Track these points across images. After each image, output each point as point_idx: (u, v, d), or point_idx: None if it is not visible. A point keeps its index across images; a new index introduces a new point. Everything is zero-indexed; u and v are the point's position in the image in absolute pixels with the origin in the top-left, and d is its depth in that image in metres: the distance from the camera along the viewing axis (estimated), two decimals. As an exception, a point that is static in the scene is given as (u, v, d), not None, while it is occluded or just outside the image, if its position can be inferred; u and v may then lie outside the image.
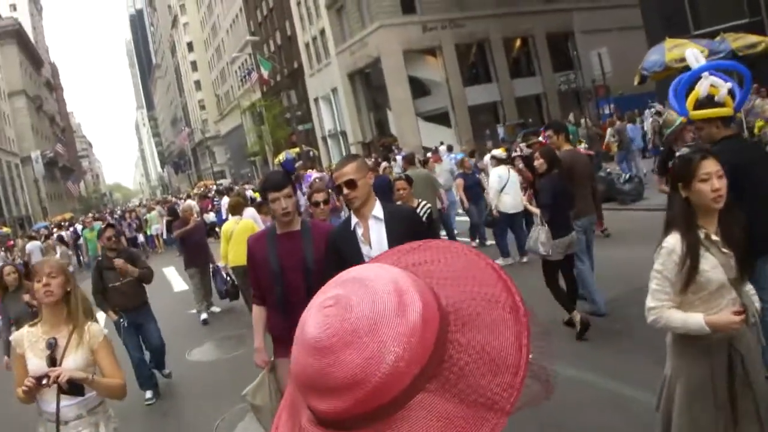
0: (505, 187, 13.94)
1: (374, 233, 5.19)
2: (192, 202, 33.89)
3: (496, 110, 57.34)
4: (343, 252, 5.11)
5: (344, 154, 62.29)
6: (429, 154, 22.84)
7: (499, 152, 15.68)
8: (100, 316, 8.89)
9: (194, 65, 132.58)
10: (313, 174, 14.86)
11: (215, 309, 15.66)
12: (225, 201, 30.50)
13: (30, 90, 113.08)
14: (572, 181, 9.74)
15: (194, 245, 15.57)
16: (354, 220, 5.29)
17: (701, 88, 6.01)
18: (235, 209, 13.82)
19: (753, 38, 20.28)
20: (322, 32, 64.19)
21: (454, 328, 1.23)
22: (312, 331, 1.19)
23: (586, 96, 41.28)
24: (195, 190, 64.18)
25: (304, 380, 1.21)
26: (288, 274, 5.58)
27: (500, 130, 48.38)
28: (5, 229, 50.33)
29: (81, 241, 35.09)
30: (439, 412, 1.15)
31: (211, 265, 15.39)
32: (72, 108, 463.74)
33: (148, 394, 10.10)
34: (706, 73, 6.02)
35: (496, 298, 1.26)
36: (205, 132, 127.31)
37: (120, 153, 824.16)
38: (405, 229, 4.97)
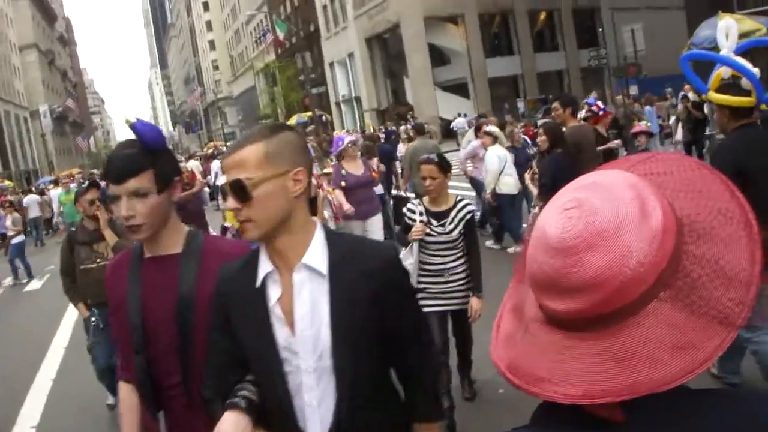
0: (504, 168, 12.99)
1: (302, 302, 2.45)
2: (195, 163, 32.12)
3: (517, 84, 56.03)
4: (236, 323, 2.53)
5: (358, 120, 61.29)
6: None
7: (495, 129, 14.27)
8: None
9: (209, 25, 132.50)
10: (346, 137, 13.31)
11: None
12: (216, 164, 28.94)
13: (42, 44, 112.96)
14: (579, 160, 8.83)
15: (187, 215, 13.38)
16: (265, 265, 2.49)
17: (723, 69, 5.56)
18: None
19: (819, 18, 18.27)
20: (341, -6, 62.57)
21: (688, 239, 1.25)
22: (553, 231, 1.24)
23: (618, 74, 39.71)
24: (204, 151, 63.08)
25: (542, 279, 1.26)
26: (154, 332, 2.92)
27: (521, 105, 46.97)
28: (7, 183, 49.18)
29: (55, 206, 29.14)
30: (671, 320, 1.19)
31: None
32: (85, 64, 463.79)
33: (111, 400, 7.83)
34: (725, 66, 5.57)
35: (731, 213, 1.27)
36: (217, 93, 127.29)
37: (132, 111, 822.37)
38: (368, 292, 2.42)
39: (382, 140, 28.47)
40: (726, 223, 1.25)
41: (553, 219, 1.25)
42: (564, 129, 9.43)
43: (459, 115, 43.13)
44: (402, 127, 38.99)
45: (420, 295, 5.97)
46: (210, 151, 55.43)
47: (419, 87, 52.19)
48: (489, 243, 13.70)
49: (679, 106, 21.83)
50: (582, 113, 12.88)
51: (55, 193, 30.35)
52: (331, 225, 12.69)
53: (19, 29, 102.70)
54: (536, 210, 9.37)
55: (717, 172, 1.36)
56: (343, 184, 10.99)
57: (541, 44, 58.23)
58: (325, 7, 67.53)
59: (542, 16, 58.35)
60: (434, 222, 6.12)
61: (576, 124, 9.72)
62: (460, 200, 6.25)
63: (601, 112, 13.67)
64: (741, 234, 1.23)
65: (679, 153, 2.18)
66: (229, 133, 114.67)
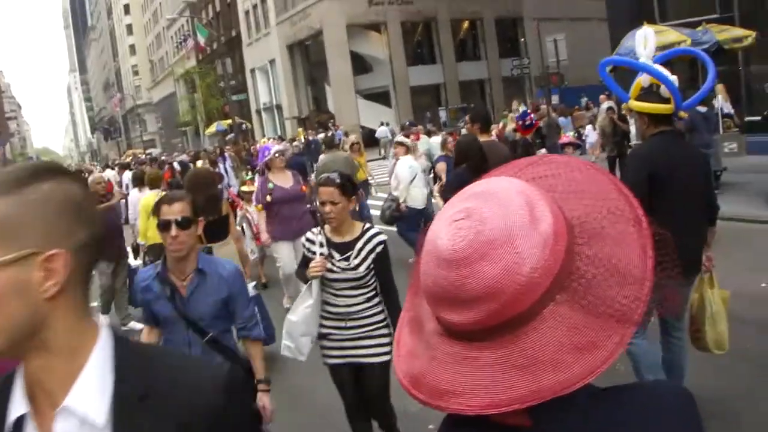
0: (414, 180, 12.56)
1: None
2: (111, 173, 31.07)
3: (439, 93, 56.03)
4: None
5: (279, 128, 60.85)
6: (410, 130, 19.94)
7: (407, 140, 14.04)
8: None
9: (130, 28, 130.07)
10: (272, 146, 12.61)
11: (135, 325, 11.00)
12: (128, 175, 27.81)
13: None
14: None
15: (108, 228, 11.19)
16: (17, 403, 1.46)
17: (643, 78, 5.69)
18: (154, 182, 12.88)
19: (739, 31, 18.15)
20: (264, 0, 62.20)
21: (580, 240, 1.27)
22: (445, 243, 1.24)
23: (540, 83, 39.88)
24: (122, 159, 61.76)
25: (437, 292, 1.26)
26: None
27: (442, 114, 46.86)
28: None
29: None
30: (568, 322, 1.21)
31: (129, 262, 11.96)
32: (2, 67, 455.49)
33: None
34: (644, 75, 5.69)
35: (620, 211, 1.30)
36: (137, 99, 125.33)
37: (50, 117, 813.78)
38: None
39: (301, 150, 27.97)
40: (616, 221, 1.28)
41: (444, 231, 1.26)
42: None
43: (382, 124, 42.72)
44: (320, 136, 38.63)
45: (323, 344, 5.31)
46: (128, 159, 54.33)
47: (341, 95, 51.75)
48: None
49: (600, 117, 21.66)
50: (512, 126, 12.68)
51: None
52: (252, 247, 12.19)
53: None
54: None
55: (604, 171, 1.40)
56: (268, 198, 10.07)
57: (464, 53, 58.49)
58: (247, 12, 66.93)
59: (465, 24, 58.55)
60: (336, 255, 5.05)
61: (486, 139, 9.17)
62: (368, 229, 5.20)
63: (533, 123, 13.48)
64: (631, 230, 1.26)
65: (566, 155, 2.19)
66: (148, 141, 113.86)
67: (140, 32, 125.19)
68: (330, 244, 5.12)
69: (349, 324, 5.13)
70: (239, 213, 12.79)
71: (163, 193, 12.16)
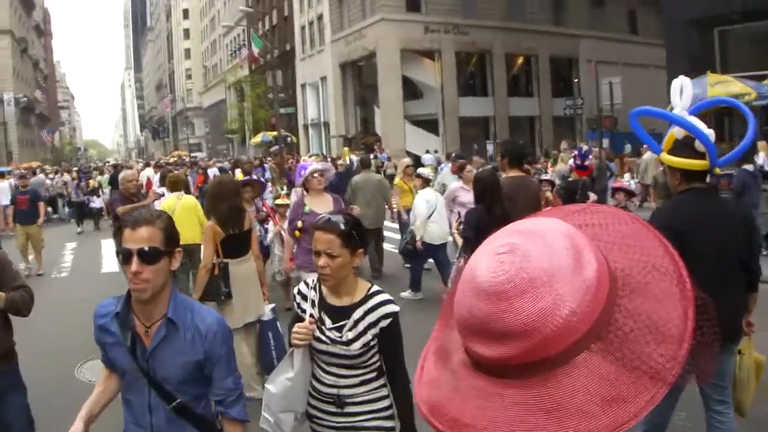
0: (432, 215, 12.17)
1: None
2: (149, 172, 30.65)
3: (488, 126, 55.19)
4: None
5: (324, 145, 60.81)
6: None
7: (426, 171, 13.61)
8: None
9: (187, 33, 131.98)
10: (310, 164, 10.44)
11: None
12: (148, 172, 27.85)
13: (17, 31, 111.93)
14: (510, 214, 7.86)
15: None
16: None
17: (677, 129, 5.23)
18: (175, 185, 12.70)
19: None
20: (320, 17, 62.00)
21: (621, 293, 1.27)
22: (485, 275, 1.24)
23: (592, 125, 39.28)
24: (167, 158, 61.88)
25: (471, 323, 1.26)
26: None
27: (489, 147, 46.20)
28: (-41, 169, 47.84)
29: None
30: (601, 372, 1.20)
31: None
32: (59, 57, 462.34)
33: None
34: (676, 128, 5.24)
35: (665, 269, 1.30)
36: (187, 102, 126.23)
37: (102, 110, 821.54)
38: None
39: (346, 170, 27.61)
40: (660, 279, 1.27)
41: (485, 263, 1.25)
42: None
43: (428, 152, 42.34)
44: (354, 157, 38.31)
45: (311, 426, 4.18)
46: (172, 160, 54.31)
47: (389, 118, 51.25)
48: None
49: (651, 166, 21.13)
50: (571, 161, 12.31)
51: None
52: (281, 268, 11.62)
53: None
54: (461, 262, 8.77)
55: (651, 227, 1.40)
56: (299, 224, 9.13)
57: (516, 88, 57.59)
58: (303, 28, 66.79)
59: (519, 60, 57.80)
60: (327, 321, 3.89)
61: (514, 174, 8.93)
62: (375, 293, 3.95)
63: (588, 165, 13.10)
64: (674, 290, 1.26)
65: (613, 207, 1.65)
66: (194, 144, 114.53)
67: (197, 37, 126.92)
68: (323, 305, 3.97)
69: (344, 410, 3.96)
70: (272, 229, 12.31)
71: (185, 196, 11.90)
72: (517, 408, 1.21)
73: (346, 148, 46.13)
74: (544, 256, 1.21)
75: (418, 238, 12.18)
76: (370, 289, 4.00)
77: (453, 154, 21.57)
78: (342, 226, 3.81)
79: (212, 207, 8.55)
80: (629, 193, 12.92)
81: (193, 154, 79.36)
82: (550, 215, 1.46)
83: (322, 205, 9.15)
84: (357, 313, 3.88)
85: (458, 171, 13.67)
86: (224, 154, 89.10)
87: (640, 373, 1.18)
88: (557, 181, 16.80)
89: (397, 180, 13.57)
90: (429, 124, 52.54)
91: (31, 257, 18.42)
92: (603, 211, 1.45)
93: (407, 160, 16.19)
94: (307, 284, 4.13)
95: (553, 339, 1.17)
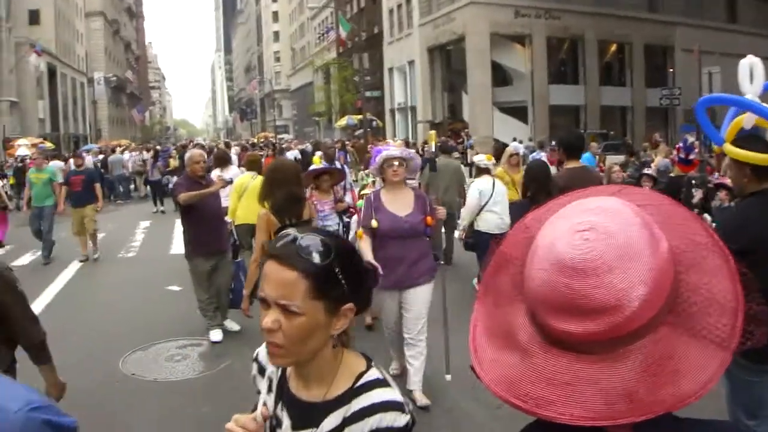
0: (488, 203, 11.31)
1: None
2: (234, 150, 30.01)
3: (578, 115, 53.56)
4: None
5: (411, 130, 60.07)
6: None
7: (483, 159, 12.33)
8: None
9: (275, 15, 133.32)
10: (385, 148, 8.64)
11: (233, 326, 10.21)
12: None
13: (109, 13, 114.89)
14: None
15: (207, 219, 9.87)
16: None
17: (746, 118, 4.60)
18: (253, 165, 12.87)
19: None
20: (408, 1, 61.19)
21: (681, 268, 1.32)
22: (570, 251, 1.27)
23: (689, 117, 37.62)
24: (252, 140, 61.82)
25: (557, 300, 1.27)
26: None
27: (579, 137, 44.86)
28: (48, 144, 48.41)
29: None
30: (675, 343, 1.26)
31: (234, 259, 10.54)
32: (151, 39, 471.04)
33: None
34: (748, 114, 4.59)
35: (711, 247, 1.35)
36: (275, 84, 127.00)
37: (193, 91, 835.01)
38: None
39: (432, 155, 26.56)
40: (709, 256, 1.33)
41: (566, 239, 1.28)
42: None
43: (515, 140, 41.10)
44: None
45: None
46: (260, 141, 54.03)
47: (477, 104, 50.10)
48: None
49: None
50: (674, 154, 11.22)
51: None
52: None
53: None
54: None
55: (682, 206, 1.48)
56: (374, 223, 7.02)
57: (609, 77, 55.78)
58: (391, 11, 66.06)
59: (612, 47, 56.01)
60: (285, 421, 2.13)
61: (572, 166, 8.38)
62: (369, 385, 2.08)
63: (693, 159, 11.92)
64: (722, 265, 1.31)
65: (645, 189, 2.02)
66: (281, 126, 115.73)
67: (285, 20, 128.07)
68: (284, 395, 2.19)
69: None
70: (355, 224, 9.92)
71: (258, 177, 10.80)
72: (599, 382, 1.25)
73: (432, 132, 45.17)
74: (625, 232, 1.25)
75: (461, 227, 11.70)
76: (362, 375, 2.12)
77: (548, 141, 19.73)
78: (316, 258, 1.95)
79: (267, 193, 7.33)
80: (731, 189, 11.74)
81: (279, 136, 79.69)
82: (601, 192, 1.48)
83: (400, 202, 7.13)
84: (330, 421, 2.06)
85: (559, 162, 12.33)
86: (310, 136, 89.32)
87: (707, 342, 1.24)
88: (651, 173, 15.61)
89: (499, 170, 12.32)
90: (518, 112, 51.18)
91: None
92: (641, 191, 1.49)
93: (512, 147, 14.72)
94: (263, 353, 2.38)
95: (639, 313, 1.21)
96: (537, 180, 8.28)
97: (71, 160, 32.52)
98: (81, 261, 16.54)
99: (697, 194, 11.35)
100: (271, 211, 7.22)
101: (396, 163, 7.03)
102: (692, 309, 1.27)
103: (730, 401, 4.89)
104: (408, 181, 7.71)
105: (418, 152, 21.48)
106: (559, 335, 1.28)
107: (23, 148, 39.08)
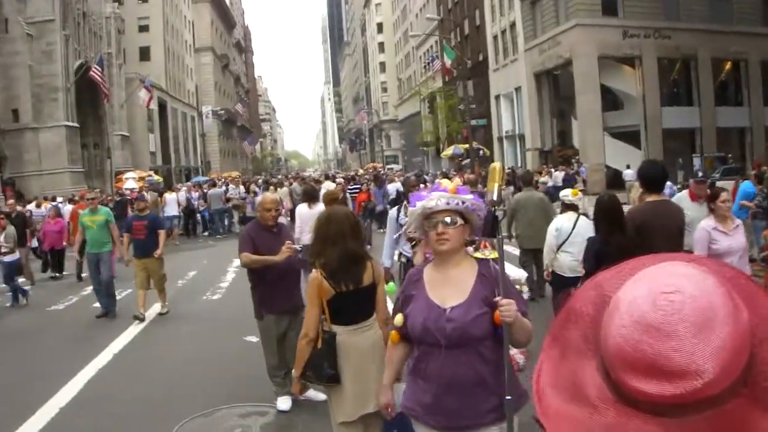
0: (565, 243, 10.50)
1: None
2: (330, 185, 26.55)
3: (693, 138, 51.33)
4: None
5: (520, 158, 59.76)
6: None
7: (569, 194, 11.22)
8: None
9: (381, 46, 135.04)
10: (438, 191, 4.32)
11: (318, 396, 8.19)
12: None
13: (218, 48, 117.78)
14: (644, 245, 6.64)
15: (279, 275, 8.53)
16: None
17: None
18: (332, 203, 11.73)
19: None
20: (513, 25, 60.49)
21: (756, 341, 1.29)
22: (655, 311, 1.26)
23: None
24: (360, 171, 61.77)
25: (634, 358, 1.25)
26: None
27: (696, 162, 42.75)
28: (156, 177, 49.18)
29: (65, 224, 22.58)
30: (749, 416, 1.25)
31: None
32: (261, 73, 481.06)
33: None
34: None
35: None
36: (383, 114, 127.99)
37: (303, 123, 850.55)
38: None
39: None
40: None
41: (651, 299, 1.28)
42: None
43: (628, 167, 39.39)
44: (560, 173, 36.28)
45: None
46: (366, 172, 53.69)
47: (587, 130, 48.61)
48: None
49: None
50: None
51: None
52: None
53: (197, 32, 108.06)
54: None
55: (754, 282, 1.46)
56: (398, 320, 4.47)
57: (724, 97, 53.16)
58: (495, 37, 65.50)
59: (727, 65, 53.51)
60: None
61: (653, 199, 7.74)
62: None
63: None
64: None
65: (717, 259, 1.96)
66: (390, 156, 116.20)
67: (391, 50, 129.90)
68: None
69: None
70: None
71: None
72: None
73: (495, 165, 43.70)
74: (710, 299, 1.24)
75: (545, 268, 11.07)
76: None
77: (700, 174, 16.38)
78: None
79: (318, 250, 5.81)
80: None
81: (389, 166, 79.56)
82: (668, 259, 1.45)
83: (451, 284, 4.27)
84: None
85: (706, 198, 10.07)
86: (419, 166, 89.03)
87: None
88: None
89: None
90: (630, 137, 49.44)
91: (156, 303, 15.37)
92: (713, 261, 1.47)
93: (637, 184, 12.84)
94: None
95: (717, 380, 1.19)
96: (609, 215, 7.61)
97: (184, 189, 32.24)
98: (137, 319, 14.30)
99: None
100: (323, 273, 5.65)
101: (444, 219, 4.14)
102: (766, 383, 1.24)
103: None
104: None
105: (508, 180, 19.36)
106: (634, 395, 1.26)
107: (131, 181, 39.37)
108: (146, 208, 15.80)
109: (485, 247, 6.81)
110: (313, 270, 5.72)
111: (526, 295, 9.23)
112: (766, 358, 1.26)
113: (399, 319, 4.35)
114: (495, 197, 4.24)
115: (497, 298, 3.91)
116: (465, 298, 4.12)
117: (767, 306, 1.33)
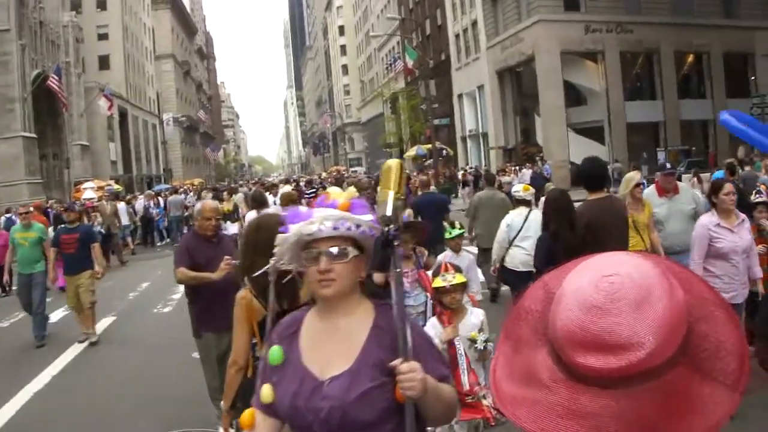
0: (517, 238, 10.28)
1: None
2: (288, 189, 25.02)
3: (657, 132, 51.47)
4: None
5: (484, 157, 59.53)
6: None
7: (519, 190, 11.04)
8: None
9: (343, 49, 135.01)
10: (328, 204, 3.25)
11: None
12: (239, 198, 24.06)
13: (179, 55, 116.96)
14: (592, 242, 6.61)
15: (218, 289, 7.33)
16: None
17: None
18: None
19: None
20: (474, 24, 60.10)
21: (692, 318, 1.43)
22: (599, 293, 1.37)
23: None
24: (322, 175, 61.24)
25: (581, 337, 1.36)
26: None
27: (660, 155, 42.53)
28: (116, 187, 48.24)
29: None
30: (690, 383, 1.38)
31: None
32: (223, 78, 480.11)
33: None
34: None
35: (716, 302, 1.49)
36: (346, 117, 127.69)
37: (267, 128, 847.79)
38: None
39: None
40: (716, 311, 1.47)
41: (592, 282, 1.40)
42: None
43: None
44: (526, 171, 35.98)
45: None
46: (330, 175, 53.21)
47: (551, 126, 48.40)
48: None
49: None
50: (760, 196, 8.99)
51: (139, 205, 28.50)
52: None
53: (157, 39, 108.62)
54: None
55: (689, 270, 1.67)
56: (264, 396, 2.97)
57: (687, 90, 53.31)
58: (457, 35, 65.20)
59: (689, 58, 53.59)
60: None
61: (595, 197, 7.54)
62: None
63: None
64: (728, 320, 1.46)
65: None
66: (354, 159, 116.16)
67: (353, 53, 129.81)
68: None
69: None
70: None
71: None
72: (627, 415, 1.34)
73: (393, 162, 43.25)
74: (646, 279, 1.36)
75: (492, 262, 10.97)
76: None
77: (668, 166, 14.90)
78: None
79: (248, 264, 4.82)
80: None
81: (352, 169, 79.12)
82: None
83: (334, 344, 2.88)
84: None
85: (675, 191, 9.85)
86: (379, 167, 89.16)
87: (718, 384, 1.37)
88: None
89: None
90: (594, 132, 49.40)
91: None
92: (655, 256, 1.66)
93: (633, 176, 10.77)
94: None
95: (658, 351, 1.30)
96: (558, 212, 7.30)
97: (142, 198, 31.33)
98: (80, 341, 12.99)
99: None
100: (254, 291, 4.82)
101: (328, 250, 2.75)
102: (703, 354, 1.38)
103: None
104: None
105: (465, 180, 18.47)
106: (583, 371, 1.36)
107: (89, 191, 38.32)
108: (77, 220, 13.99)
109: (447, 270, 5.78)
110: (241, 288, 4.91)
111: (479, 297, 8.27)
112: (701, 333, 1.40)
113: (266, 392, 2.87)
114: (388, 212, 2.82)
115: (396, 361, 2.59)
116: (349, 365, 2.76)
117: (702, 290, 1.49)
